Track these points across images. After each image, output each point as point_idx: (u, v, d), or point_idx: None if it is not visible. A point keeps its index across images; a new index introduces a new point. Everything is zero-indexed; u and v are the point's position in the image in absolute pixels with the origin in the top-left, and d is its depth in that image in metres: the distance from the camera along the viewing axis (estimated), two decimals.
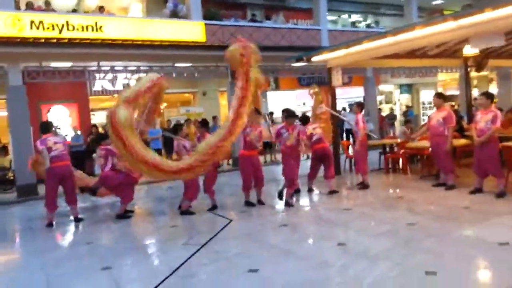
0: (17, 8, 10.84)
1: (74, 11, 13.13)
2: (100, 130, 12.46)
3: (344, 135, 15.01)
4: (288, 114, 7.36)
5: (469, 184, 7.22)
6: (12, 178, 11.11)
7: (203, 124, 7.53)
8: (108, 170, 7.03)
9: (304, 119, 8.46)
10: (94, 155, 8.86)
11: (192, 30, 12.34)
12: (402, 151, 9.54)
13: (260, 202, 7.35)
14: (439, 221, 5.46)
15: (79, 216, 7.24)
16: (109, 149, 7.03)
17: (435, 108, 7.77)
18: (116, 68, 12.16)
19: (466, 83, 12.11)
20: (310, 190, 8.19)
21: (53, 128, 7.38)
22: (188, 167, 5.96)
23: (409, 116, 15.67)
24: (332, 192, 7.74)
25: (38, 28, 10.11)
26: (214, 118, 13.51)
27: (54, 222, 7.01)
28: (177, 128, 7.46)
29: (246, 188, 7.38)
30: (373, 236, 5.08)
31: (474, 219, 5.49)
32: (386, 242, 4.79)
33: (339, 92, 10.82)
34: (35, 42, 10.11)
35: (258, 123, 7.43)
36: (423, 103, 21.34)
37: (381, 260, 4.25)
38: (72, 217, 7.23)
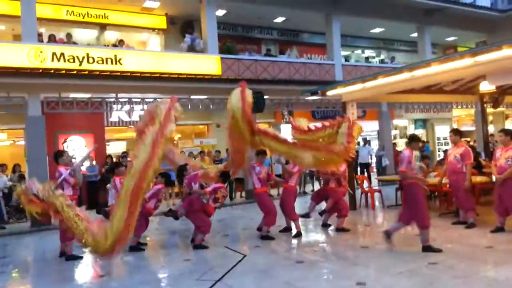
0: (40, 40, 11.20)
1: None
2: (115, 160, 12.56)
3: (359, 169, 14.85)
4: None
5: (490, 223, 7.02)
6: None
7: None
8: None
9: None
10: (108, 185, 8.89)
11: (209, 63, 12.58)
12: None
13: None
14: (463, 261, 5.26)
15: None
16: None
17: (451, 144, 7.68)
18: (133, 99, 12.36)
19: (482, 119, 12.00)
20: (325, 225, 8.07)
21: (67, 157, 7.29)
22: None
23: (425, 152, 15.49)
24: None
25: (59, 60, 10.40)
26: (227, 150, 13.51)
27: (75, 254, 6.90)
28: (182, 168, 7.42)
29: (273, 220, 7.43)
30: (393, 275, 4.91)
31: (499, 259, 5.29)
32: (407, 282, 4.62)
33: None
34: (56, 73, 10.38)
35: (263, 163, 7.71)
36: (438, 138, 21.19)
37: None
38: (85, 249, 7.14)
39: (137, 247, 7.08)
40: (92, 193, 12.23)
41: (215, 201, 7.49)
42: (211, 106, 13.52)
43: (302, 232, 8.05)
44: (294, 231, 7.61)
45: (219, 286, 4.90)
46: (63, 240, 6.75)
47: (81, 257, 6.79)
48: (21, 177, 11.25)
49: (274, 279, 5.10)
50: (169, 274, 5.76)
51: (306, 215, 7.99)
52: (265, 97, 13.52)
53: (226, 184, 8.85)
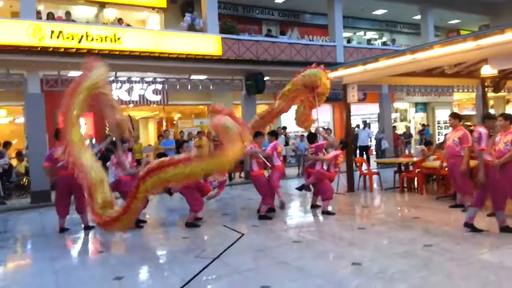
0: (39, 17, 11.07)
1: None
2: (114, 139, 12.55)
3: (358, 151, 14.88)
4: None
5: (487, 206, 7.04)
6: (26, 183, 11.21)
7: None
8: (123, 175, 7.08)
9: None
10: (108, 163, 8.91)
11: (209, 43, 12.45)
12: (418, 170, 9.40)
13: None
14: (459, 243, 5.32)
15: (90, 224, 7.23)
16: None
17: (450, 128, 7.68)
18: (132, 78, 12.29)
19: (483, 103, 11.97)
20: (313, 207, 8.16)
21: None
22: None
23: (425, 135, 15.51)
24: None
25: (58, 37, 10.29)
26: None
27: (67, 227, 7.05)
28: (181, 143, 7.49)
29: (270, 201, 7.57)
30: (389, 256, 4.97)
31: (495, 242, 5.34)
32: (403, 263, 4.68)
33: (352, 108, 10.76)
34: (54, 51, 10.29)
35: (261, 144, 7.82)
36: (439, 122, 21.18)
37: (398, 282, 4.14)
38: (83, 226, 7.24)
39: (136, 224, 7.14)
40: None
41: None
42: (211, 87, 13.46)
43: (300, 213, 8.14)
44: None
45: (217, 264, 4.97)
46: (81, 211, 7.07)
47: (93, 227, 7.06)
48: (19, 154, 11.30)
49: (271, 258, 5.17)
50: (168, 252, 5.83)
51: (302, 187, 8.05)
52: (265, 78, 13.46)
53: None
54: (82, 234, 7.00)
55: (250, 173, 7.60)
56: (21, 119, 13.70)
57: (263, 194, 7.46)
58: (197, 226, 7.00)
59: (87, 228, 7.14)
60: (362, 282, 4.19)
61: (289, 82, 8.06)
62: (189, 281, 4.42)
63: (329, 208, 7.64)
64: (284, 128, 15.34)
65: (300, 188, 8.09)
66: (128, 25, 13.21)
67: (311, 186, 8.07)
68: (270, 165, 7.62)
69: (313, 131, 8.57)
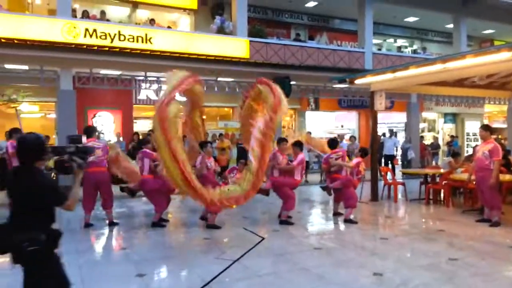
0: (74, 16, 11.41)
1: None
2: (141, 137, 12.78)
3: (383, 160, 14.67)
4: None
5: None
6: (54, 178, 11.51)
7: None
8: (148, 175, 7.20)
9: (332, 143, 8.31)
10: (133, 162, 9.07)
11: (237, 46, 12.56)
12: (445, 182, 9.19)
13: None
14: (485, 258, 5.18)
15: (114, 221, 7.38)
16: (146, 151, 7.22)
17: (480, 140, 7.50)
18: (161, 78, 12.50)
19: None
20: (336, 214, 8.09)
21: (97, 133, 7.61)
22: (219, 201, 5.89)
23: (454, 147, 15.16)
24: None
25: (91, 36, 10.59)
26: None
27: (91, 223, 7.23)
28: (202, 144, 7.55)
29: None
30: (412, 268, 4.88)
31: None
32: (426, 276, 4.58)
33: (379, 116, 10.62)
34: (88, 49, 10.58)
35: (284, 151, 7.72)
36: (468, 134, 20.66)
37: None
38: (108, 221, 7.39)
39: (159, 223, 7.26)
40: (66, 170, 12.44)
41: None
42: (237, 89, 13.54)
43: (321, 220, 8.09)
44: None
45: (237, 266, 4.99)
46: (107, 207, 7.28)
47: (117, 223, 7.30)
48: None
49: (291, 263, 5.15)
50: (189, 251, 5.88)
51: (325, 188, 8.00)
52: (292, 82, 13.45)
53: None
54: (106, 230, 7.14)
55: (270, 178, 7.57)
56: (52, 115, 14.12)
57: (284, 198, 7.44)
58: (219, 227, 7.04)
59: (111, 224, 7.28)
60: None
61: None
62: (209, 281, 4.45)
63: (352, 217, 7.55)
64: (309, 133, 15.26)
65: (323, 188, 8.05)
66: (160, 25, 13.45)
67: (332, 191, 8.00)
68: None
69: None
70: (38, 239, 2.67)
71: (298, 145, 7.77)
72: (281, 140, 7.63)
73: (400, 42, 20.71)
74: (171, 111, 5.55)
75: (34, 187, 2.72)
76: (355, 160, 7.93)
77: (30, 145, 2.80)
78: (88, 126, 7.96)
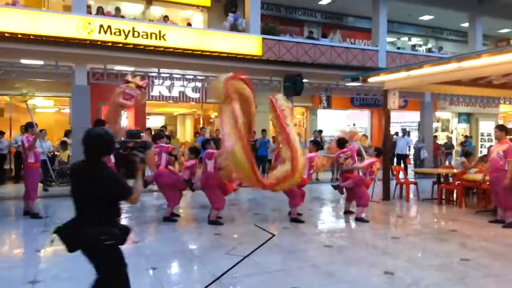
0: (88, 12, 11.52)
1: None
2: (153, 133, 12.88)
3: (395, 160, 14.56)
4: None
5: None
6: (69, 172, 11.67)
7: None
8: (164, 168, 7.28)
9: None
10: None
11: (250, 43, 12.56)
12: (458, 182, 9.10)
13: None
14: (497, 259, 5.13)
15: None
16: (162, 145, 7.31)
17: (495, 140, 7.41)
18: (174, 75, 12.57)
19: None
20: (346, 212, 8.07)
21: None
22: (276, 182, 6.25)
23: (468, 147, 14.98)
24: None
25: (106, 32, 10.69)
26: (263, 131, 13.53)
27: None
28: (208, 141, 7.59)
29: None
30: (423, 268, 4.85)
31: None
32: (437, 276, 4.56)
33: (392, 115, 10.54)
34: (102, 45, 10.68)
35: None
36: (482, 134, 20.39)
37: None
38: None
39: (171, 218, 7.32)
40: (131, 165, 12.58)
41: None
42: None
43: (332, 218, 8.08)
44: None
45: (247, 262, 5.01)
46: None
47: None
48: (64, 144, 11.78)
49: (301, 260, 5.16)
50: (200, 246, 5.93)
51: (336, 187, 7.99)
52: (304, 80, 13.42)
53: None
54: None
55: None
56: (66, 110, 14.29)
57: (290, 195, 7.41)
58: (221, 224, 7.07)
59: None
60: None
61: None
62: (220, 276, 4.48)
63: (363, 215, 7.52)
64: (320, 131, 15.22)
65: (335, 187, 8.03)
66: (173, 22, 13.52)
67: (344, 190, 7.98)
68: None
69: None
70: (114, 233, 2.76)
71: (316, 144, 8.20)
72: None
73: (415, 40, 20.49)
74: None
75: (104, 181, 2.78)
76: (369, 161, 7.90)
77: (99, 140, 2.85)
78: (98, 120, 8.02)
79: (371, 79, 10.05)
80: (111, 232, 2.77)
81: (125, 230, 2.91)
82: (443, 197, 9.50)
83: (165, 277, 4.56)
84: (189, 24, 14.51)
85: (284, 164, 6.36)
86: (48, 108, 14.72)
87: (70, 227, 2.86)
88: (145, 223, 7.30)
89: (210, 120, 17.68)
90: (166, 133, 13.17)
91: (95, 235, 2.72)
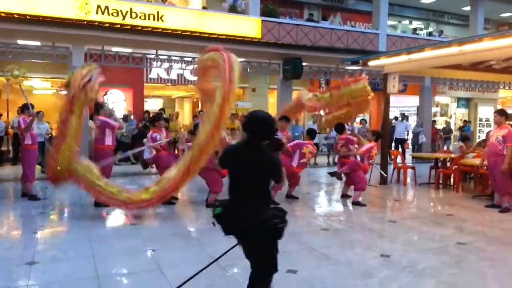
0: None
1: None
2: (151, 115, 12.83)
3: (393, 144, 14.56)
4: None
5: None
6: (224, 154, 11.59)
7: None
8: (164, 151, 7.28)
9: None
10: (144, 140, 9.12)
11: (249, 25, 12.41)
12: (456, 167, 9.11)
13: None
14: (493, 244, 5.17)
15: None
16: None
17: (494, 125, 7.39)
18: (172, 57, 12.44)
19: None
20: (344, 196, 8.10)
21: (104, 109, 7.52)
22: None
23: (466, 132, 14.98)
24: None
25: (103, 13, 10.53)
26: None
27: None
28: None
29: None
30: (419, 251, 4.89)
31: None
32: (433, 259, 4.59)
33: (391, 100, 10.50)
34: (99, 26, 10.53)
35: (285, 129, 7.73)
36: (480, 120, 20.37)
37: (427, 277, 4.08)
38: None
39: (169, 200, 7.32)
40: (128, 148, 12.57)
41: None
42: (248, 69, 13.44)
43: (328, 201, 8.10)
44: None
45: None
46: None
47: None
48: None
49: (299, 243, 5.18)
50: (197, 228, 5.96)
51: (334, 174, 8.00)
52: (303, 63, 13.30)
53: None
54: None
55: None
56: (64, 92, 14.18)
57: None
58: (218, 207, 7.06)
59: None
60: (390, 274, 4.15)
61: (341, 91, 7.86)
62: (218, 258, 4.48)
63: (360, 199, 7.55)
64: (320, 115, 15.16)
65: (332, 174, 8.03)
66: (172, 3, 13.33)
67: (343, 175, 7.98)
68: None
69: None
70: (284, 216, 2.79)
71: (310, 133, 8.13)
72: (282, 118, 7.66)
73: (416, 24, 20.29)
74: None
75: (269, 163, 2.83)
76: (367, 146, 7.85)
77: (264, 123, 2.86)
78: (96, 103, 7.93)
79: (371, 63, 9.98)
80: (282, 215, 2.79)
81: (285, 212, 2.90)
82: (440, 181, 9.53)
83: (163, 259, 4.57)
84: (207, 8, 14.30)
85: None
86: (46, 90, 14.62)
87: (231, 208, 2.88)
88: None
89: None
90: (165, 116, 13.16)
91: (270, 217, 2.75)
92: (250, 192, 2.85)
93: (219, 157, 3.07)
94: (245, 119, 2.96)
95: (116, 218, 6.64)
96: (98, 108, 7.40)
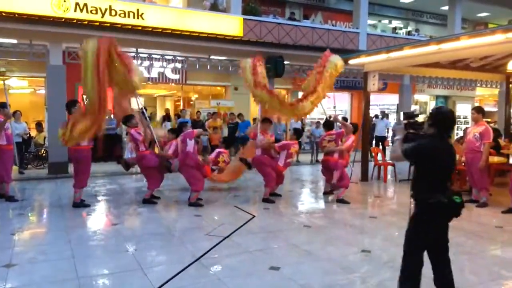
0: None
1: None
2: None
3: (374, 142, 14.73)
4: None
5: (502, 203, 7.00)
6: (44, 154, 11.43)
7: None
8: (147, 151, 7.19)
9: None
10: (124, 139, 9.02)
11: (230, 24, 12.36)
12: None
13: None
14: (471, 238, 5.29)
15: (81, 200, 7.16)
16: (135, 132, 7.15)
17: (471, 122, 7.55)
18: (153, 55, 12.32)
19: (506, 100, 11.72)
20: (326, 194, 8.18)
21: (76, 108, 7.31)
22: None
23: None
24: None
25: (82, 10, 10.33)
26: (255, 120, 13.40)
27: (83, 199, 7.19)
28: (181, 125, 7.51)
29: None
30: (399, 246, 4.90)
31: (508, 239, 5.30)
32: None
33: (371, 98, 10.63)
34: (78, 24, 10.34)
35: (267, 130, 7.77)
36: (458, 117, 20.77)
37: None
38: (99, 198, 7.36)
39: (151, 200, 7.27)
40: (108, 146, 12.40)
41: (215, 164, 8.10)
42: (230, 68, 13.42)
43: (311, 199, 8.15)
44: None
45: (227, 243, 5.03)
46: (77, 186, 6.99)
47: (88, 205, 7.05)
48: (39, 125, 11.50)
49: (281, 240, 5.21)
50: (179, 228, 5.92)
51: (329, 193, 8.14)
52: (285, 62, 13.34)
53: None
54: (97, 207, 7.13)
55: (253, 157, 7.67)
56: (41, 90, 13.92)
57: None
58: (201, 205, 7.06)
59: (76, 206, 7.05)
60: (370, 269, 4.20)
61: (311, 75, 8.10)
62: (200, 257, 4.49)
63: (343, 197, 7.58)
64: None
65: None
66: (152, 1, 13.19)
67: (321, 173, 8.10)
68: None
69: (331, 118, 8.52)
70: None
71: (296, 133, 8.53)
72: (265, 120, 7.75)
73: (395, 23, 20.58)
74: None
75: (455, 153, 3.33)
76: (349, 141, 7.84)
77: (450, 117, 3.21)
78: (70, 101, 7.75)
79: (351, 61, 10.06)
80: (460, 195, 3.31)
81: None
82: None
83: (145, 258, 4.53)
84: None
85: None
86: (23, 89, 14.32)
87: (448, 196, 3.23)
88: (124, 205, 7.23)
89: (191, 102, 17.50)
90: (148, 115, 13.02)
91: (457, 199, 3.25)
92: (446, 181, 3.26)
93: (411, 150, 3.27)
94: (432, 114, 3.28)
95: (96, 218, 6.55)
96: (71, 107, 7.19)
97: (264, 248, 4.92)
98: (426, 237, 3.42)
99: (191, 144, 7.02)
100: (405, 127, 3.50)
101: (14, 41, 10.80)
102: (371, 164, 10.51)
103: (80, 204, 6.97)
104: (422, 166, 3.28)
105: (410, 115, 3.75)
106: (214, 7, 12.69)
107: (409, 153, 3.28)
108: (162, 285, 3.77)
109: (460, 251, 4.76)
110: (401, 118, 3.73)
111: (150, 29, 11.14)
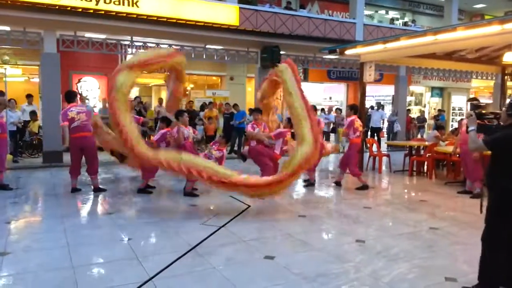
0: None
1: None
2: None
3: (369, 133, 14.77)
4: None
5: None
6: (38, 143, 11.36)
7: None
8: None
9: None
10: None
11: (226, 12, 12.28)
12: (429, 154, 9.32)
13: None
14: (465, 228, 5.33)
15: (100, 186, 7.34)
16: (135, 117, 7.14)
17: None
18: (148, 44, 12.21)
19: (501, 92, 11.76)
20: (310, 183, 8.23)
21: (77, 98, 7.36)
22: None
23: (440, 121, 15.32)
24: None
25: None
26: (235, 105, 13.39)
27: (78, 188, 7.23)
28: (177, 114, 7.37)
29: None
30: (393, 236, 5.00)
31: None
32: (407, 244, 4.71)
33: (367, 89, 10.63)
34: (72, 11, 10.21)
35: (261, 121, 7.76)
36: (454, 108, 20.85)
37: (401, 261, 4.18)
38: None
39: (146, 189, 7.27)
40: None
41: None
42: (226, 58, 13.34)
43: (305, 189, 8.16)
44: None
45: (222, 232, 5.04)
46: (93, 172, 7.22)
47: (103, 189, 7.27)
48: (33, 113, 11.40)
49: (276, 230, 5.23)
50: (175, 217, 5.92)
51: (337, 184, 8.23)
52: (281, 52, 13.28)
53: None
54: (92, 196, 7.11)
55: (249, 147, 7.67)
56: (35, 79, 13.78)
57: (261, 167, 7.48)
58: (196, 195, 7.05)
59: (97, 190, 7.24)
60: (365, 259, 4.23)
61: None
62: (195, 246, 4.50)
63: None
64: None
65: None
66: None
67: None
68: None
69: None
70: None
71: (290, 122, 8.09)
72: (255, 110, 7.79)
73: (392, 14, 20.52)
74: (119, 80, 5.62)
75: None
76: (349, 120, 7.93)
77: None
78: (68, 91, 7.74)
79: (348, 51, 10.04)
80: None
81: None
82: (414, 168, 9.75)
83: (140, 248, 4.54)
84: None
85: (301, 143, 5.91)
86: (17, 77, 14.16)
87: None
88: (119, 194, 7.22)
89: (186, 92, 17.40)
90: (144, 105, 12.96)
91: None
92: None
93: (494, 141, 3.38)
94: (510, 104, 3.34)
95: (91, 207, 6.54)
96: (68, 96, 7.19)
97: (259, 237, 4.94)
98: (508, 222, 3.42)
99: (186, 134, 7.03)
100: (477, 117, 3.56)
101: (8, 28, 10.65)
102: (366, 155, 10.53)
103: (102, 189, 7.28)
104: (503, 156, 3.35)
105: (477, 106, 3.84)
106: None
107: (492, 144, 3.37)
108: (157, 273, 3.78)
109: (454, 241, 4.81)
110: (469, 108, 3.79)
111: (145, 17, 11.04)
